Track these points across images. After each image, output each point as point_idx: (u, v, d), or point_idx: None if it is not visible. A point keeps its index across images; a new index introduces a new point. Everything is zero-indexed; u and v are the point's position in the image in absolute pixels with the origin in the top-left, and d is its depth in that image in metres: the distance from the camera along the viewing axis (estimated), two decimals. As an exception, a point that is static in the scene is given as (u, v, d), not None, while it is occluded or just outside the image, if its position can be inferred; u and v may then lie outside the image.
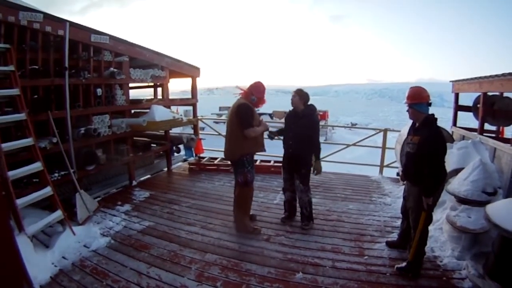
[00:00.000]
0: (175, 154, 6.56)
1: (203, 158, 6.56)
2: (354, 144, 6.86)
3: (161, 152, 6.19)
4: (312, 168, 3.57)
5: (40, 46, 3.62)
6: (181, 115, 6.48)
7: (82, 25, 4.05)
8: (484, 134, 4.42)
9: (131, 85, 4.99)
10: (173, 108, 6.53)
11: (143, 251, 3.05)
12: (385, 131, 6.18)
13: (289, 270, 2.77)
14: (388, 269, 2.79)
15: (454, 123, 5.60)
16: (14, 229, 2.58)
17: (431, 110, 2.68)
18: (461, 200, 3.14)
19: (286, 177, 3.70)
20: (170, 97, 6.00)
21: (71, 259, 2.85)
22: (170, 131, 6.07)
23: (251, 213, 3.70)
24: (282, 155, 3.72)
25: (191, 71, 6.27)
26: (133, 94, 5.34)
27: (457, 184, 3.21)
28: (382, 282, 2.62)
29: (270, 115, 20.66)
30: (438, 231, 3.31)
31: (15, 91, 3.02)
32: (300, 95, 3.50)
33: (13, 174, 2.78)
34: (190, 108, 6.85)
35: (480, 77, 4.53)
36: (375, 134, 6.63)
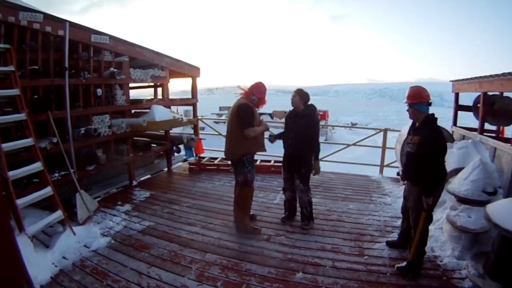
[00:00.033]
0: (175, 154, 6.57)
1: (203, 158, 6.56)
2: (354, 144, 6.86)
3: (161, 152, 6.19)
4: (312, 167, 3.57)
5: (40, 46, 3.62)
6: (181, 115, 6.48)
7: (82, 25, 4.05)
8: (484, 133, 4.42)
9: (131, 85, 4.99)
10: (173, 108, 6.53)
11: (143, 251, 3.05)
12: (385, 131, 6.19)
13: (289, 270, 2.77)
14: (388, 269, 2.79)
15: (454, 123, 5.60)
16: (14, 229, 2.58)
17: (431, 110, 2.68)
18: (461, 200, 3.14)
19: (286, 177, 3.70)
20: (170, 97, 6.00)
21: (72, 259, 2.86)
22: (170, 131, 6.07)
23: (251, 213, 3.70)
24: (282, 155, 3.72)
25: (191, 71, 6.27)
26: (133, 94, 5.34)
27: (457, 184, 3.21)
28: (382, 282, 2.62)
29: (270, 115, 20.68)
30: (438, 230, 3.31)
31: (15, 91, 3.02)
32: (300, 95, 3.50)
33: (13, 174, 2.79)
34: (190, 108, 6.85)
35: (480, 77, 4.53)
36: (375, 134, 6.63)
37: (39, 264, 2.58)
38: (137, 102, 5.47)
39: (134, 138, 5.57)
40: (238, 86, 3.52)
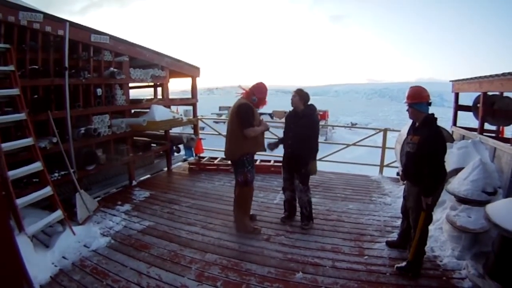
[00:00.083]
0: (175, 154, 6.56)
1: (203, 158, 6.56)
2: (354, 144, 6.86)
3: (161, 152, 6.19)
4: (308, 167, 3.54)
5: (40, 46, 3.62)
6: (181, 115, 6.48)
7: (82, 25, 4.05)
8: (484, 133, 4.42)
9: (131, 85, 4.99)
10: (173, 108, 6.53)
11: (143, 251, 3.05)
12: (385, 130, 6.19)
13: (289, 270, 2.77)
14: (388, 269, 2.79)
15: (454, 123, 5.60)
16: (14, 229, 2.58)
17: (431, 110, 2.68)
18: (461, 200, 3.14)
19: (286, 177, 3.70)
20: (170, 97, 5.99)
21: (71, 259, 2.86)
22: (170, 131, 6.07)
23: (251, 213, 3.70)
24: (282, 155, 3.72)
25: (191, 71, 6.27)
26: (133, 94, 5.34)
27: (457, 184, 3.21)
28: (382, 281, 2.63)
29: (270, 115, 20.67)
30: (438, 230, 3.31)
31: (15, 91, 3.02)
32: (300, 95, 3.50)
33: (13, 174, 2.79)
34: (190, 108, 6.85)
35: (480, 77, 4.53)
36: (375, 134, 6.63)
37: (39, 264, 2.58)
38: (137, 102, 5.47)
39: (134, 138, 5.56)
40: (239, 86, 3.52)
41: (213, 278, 2.62)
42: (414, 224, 2.68)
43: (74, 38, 3.93)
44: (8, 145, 2.85)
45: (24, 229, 2.69)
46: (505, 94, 4.64)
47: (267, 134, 3.76)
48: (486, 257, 2.56)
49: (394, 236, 3.33)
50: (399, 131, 5.38)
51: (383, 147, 6.14)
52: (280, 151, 3.75)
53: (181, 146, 6.65)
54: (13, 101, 3.07)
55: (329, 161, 6.53)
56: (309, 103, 3.54)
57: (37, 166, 3.03)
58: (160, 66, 5.48)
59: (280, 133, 4.21)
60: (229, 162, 4.13)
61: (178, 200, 4.44)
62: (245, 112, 3.24)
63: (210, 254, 3.00)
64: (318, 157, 3.67)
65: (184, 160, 6.69)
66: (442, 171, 2.58)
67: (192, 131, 6.75)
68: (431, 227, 2.84)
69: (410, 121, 2.86)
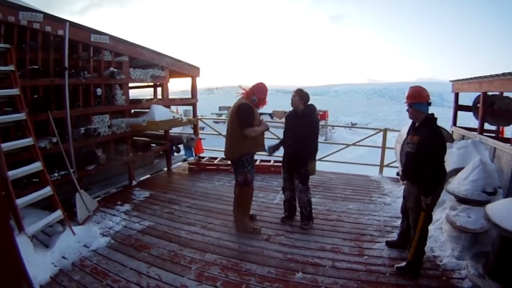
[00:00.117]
0: (175, 154, 6.56)
1: (203, 158, 6.56)
2: (354, 144, 6.86)
3: (161, 152, 6.19)
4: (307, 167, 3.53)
5: (40, 46, 3.62)
6: (181, 114, 6.47)
7: (82, 25, 4.05)
8: (484, 133, 4.43)
9: (131, 85, 4.99)
10: (173, 108, 6.53)
11: (143, 251, 3.05)
12: (385, 130, 6.19)
13: (289, 270, 2.77)
14: (388, 269, 2.79)
15: (454, 123, 5.60)
16: (14, 229, 2.58)
17: (431, 110, 2.68)
18: (461, 200, 3.14)
19: (286, 177, 3.70)
20: (170, 97, 5.99)
21: (71, 259, 2.85)
22: (170, 131, 6.07)
23: (251, 213, 3.70)
24: (282, 155, 3.71)
25: (191, 71, 6.27)
26: (133, 94, 5.34)
27: (457, 184, 3.21)
28: (382, 281, 2.63)
29: (270, 115, 20.68)
30: (438, 230, 3.31)
31: (15, 91, 3.02)
32: (300, 95, 3.50)
33: (13, 174, 2.78)
34: (190, 108, 6.84)
35: (480, 77, 4.53)
36: (375, 134, 6.63)
37: (38, 264, 2.58)
38: (137, 102, 5.47)
39: (134, 138, 5.57)
40: (239, 86, 3.52)
41: (213, 278, 2.62)
42: (414, 224, 2.68)
43: (74, 38, 3.92)
44: (8, 145, 2.85)
45: (24, 229, 2.69)
46: (505, 94, 4.64)
47: (267, 134, 3.76)
48: (486, 257, 2.56)
49: (394, 236, 3.33)
50: (399, 131, 5.38)
51: (383, 147, 6.14)
52: (280, 151, 3.75)
53: (181, 146, 6.65)
54: (13, 101, 3.07)
55: (329, 161, 6.53)
56: (309, 103, 3.54)
57: (37, 166, 3.03)
58: (160, 66, 5.48)
59: (280, 133, 4.21)
60: (229, 162, 4.12)
61: (178, 200, 4.44)
62: (245, 112, 3.24)
63: (210, 254, 3.00)
64: (318, 157, 3.67)
65: (184, 160, 6.69)
66: (442, 171, 2.58)
67: (192, 131, 6.75)
68: (431, 227, 2.84)
69: (410, 121, 2.86)
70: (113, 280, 2.58)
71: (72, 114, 3.90)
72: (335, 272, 2.74)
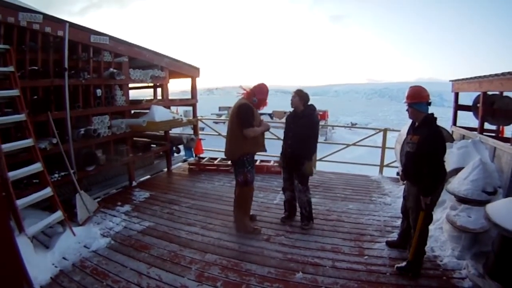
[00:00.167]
0: (175, 154, 6.57)
1: (203, 158, 6.56)
2: (354, 144, 6.86)
3: (161, 153, 6.19)
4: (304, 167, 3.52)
5: (40, 47, 3.63)
6: (181, 115, 6.47)
7: (81, 26, 4.05)
8: (484, 133, 4.42)
9: (130, 85, 4.99)
10: (173, 108, 6.53)
11: (143, 251, 3.05)
12: (385, 130, 6.19)
13: (289, 270, 2.77)
14: (388, 269, 2.79)
15: (454, 123, 5.60)
16: (14, 230, 2.58)
17: (431, 110, 2.68)
18: (461, 200, 3.14)
19: (285, 177, 3.70)
20: (170, 97, 6.00)
21: (71, 259, 2.85)
22: (170, 132, 6.07)
23: (251, 213, 3.70)
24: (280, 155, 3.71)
25: (190, 71, 6.27)
26: (133, 94, 5.34)
27: (457, 184, 3.21)
28: (382, 281, 2.62)
29: (270, 115, 20.69)
30: (438, 230, 3.31)
31: (15, 92, 3.02)
32: (300, 96, 3.50)
33: (13, 175, 2.79)
34: (190, 108, 6.85)
35: (480, 77, 4.53)
36: (375, 133, 6.63)
37: (39, 264, 2.58)
38: (137, 103, 5.47)
39: (134, 138, 5.57)
40: (239, 86, 3.52)
41: (213, 279, 2.62)
42: (414, 224, 2.68)
43: (74, 39, 3.93)
44: (8, 146, 2.85)
45: (24, 230, 2.69)
46: (505, 93, 4.64)
47: (267, 135, 3.76)
48: (486, 256, 2.56)
49: (394, 236, 3.33)
50: (399, 131, 5.38)
51: (383, 147, 6.14)
52: (279, 151, 3.75)
53: (181, 147, 6.66)
54: (13, 102, 3.07)
55: (329, 161, 6.53)
56: (309, 103, 3.55)
57: (37, 167, 3.03)
58: (160, 67, 5.48)
59: (280, 133, 4.22)
60: (229, 162, 4.12)
61: (178, 200, 4.44)
62: (245, 113, 3.24)
63: (210, 255, 3.00)
64: (318, 157, 3.67)
65: (184, 161, 6.69)
66: (442, 171, 2.58)
67: (192, 132, 6.75)
68: (431, 227, 2.84)
69: (410, 121, 2.86)
70: (114, 280, 2.58)
71: (72, 115, 3.91)
72: (335, 272, 2.74)
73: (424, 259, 2.76)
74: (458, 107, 5.61)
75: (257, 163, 5.80)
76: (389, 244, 3.18)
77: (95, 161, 4.25)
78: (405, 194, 2.96)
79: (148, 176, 5.71)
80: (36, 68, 3.58)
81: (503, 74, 3.78)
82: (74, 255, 2.92)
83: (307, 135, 3.43)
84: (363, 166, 6.56)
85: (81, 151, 4.06)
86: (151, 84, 6.21)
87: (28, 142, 3.02)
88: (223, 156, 3.60)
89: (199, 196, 4.64)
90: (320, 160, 6.44)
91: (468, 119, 5.65)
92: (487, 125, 4.69)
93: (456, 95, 5.64)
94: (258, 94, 3.37)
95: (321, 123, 14.38)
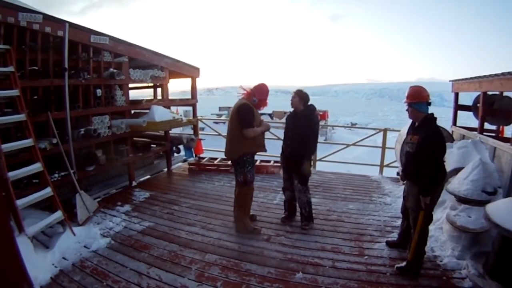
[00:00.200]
0: (175, 154, 6.56)
1: (203, 158, 6.56)
2: (354, 144, 6.87)
3: (161, 153, 6.19)
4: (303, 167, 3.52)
5: (40, 47, 3.62)
6: (181, 115, 6.48)
7: (81, 26, 4.05)
8: (484, 133, 4.42)
9: (130, 85, 4.99)
10: (173, 108, 6.53)
11: (143, 251, 3.05)
12: (385, 130, 6.19)
13: (289, 270, 2.77)
14: (388, 269, 2.79)
15: (454, 123, 5.60)
16: (14, 230, 2.58)
17: (431, 110, 2.68)
18: (461, 200, 3.14)
19: (286, 177, 3.71)
20: (170, 97, 6.00)
21: (71, 259, 2.85)
22: (170, 132, 6.07)
23: (251, 213, 3.70)
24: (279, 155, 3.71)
25: (190, 72, 6.27)
26: (133, 94, 5.34)
27: (457, 184, 3.21)
28: (382, 281, 2.62)
29: (270, 115, 20.68)
30: (438, 230, 3.31)
31: (15, 92, 3.02)
32: (300, 96, 3.50)
33: (13, 174, 2.79)
34: (190, 108, 6.85)
35: (480, 77, 4.54)
36: (375, 134, 6.63)
37: (39, 264, 2.58)
38: (137, 103, 5.47)
39: (134, 138, 5.57)
40: (240, 86, 3.52)
41: (213, 279, 2.62)
42: (414, 224, 2.68)
43: (74, 39, 3.92)
44: (8, 146, 2.85)
45: (24, 230, 2.69)
46: (505, 93, 4.64)
47: (267, 135, 3.76)
48: (486, 256, 2.56)
49: (394, 236, 3.33)
50: (399, 131, 5.38)
51: (383, 147, 6.14)
52: (278, 151, 3.75)
53: (181, 147, 6.66)
54: (13, 102, 3.07)
55: (329, 161, 6.53)
56: (309, 103, 3.55)
57: (37, 167, 3.03)
58: (160, 67, 5.48)
59: (280, 133, 4.22)
60: (229, 162, 4.12)
61: (178, 200, 4.44)
62: (245, 113, 3.24)
63: (210, 255, 3.00)
64: (318, 157, 3.67)
65: (184, 161, 6.70)
66: (442, 171, 2.59)
67: (192, 132, 6.75)
68: (431, 227, 2.84)
69: (410, 121, 2.86)
70: (114, 280, 2.58)
71: (72, 115, 3.90)
72: (335, 272, 2.74)
73: (424, 259, 2.76)
74: (458, 107, 5.61)
75: (257, 163, 5.80)
76: (389, 244, 3.18)
77: (95, 161, 4.25)
78: (405, 194, 2.95)
79: (148, 176, 5.71)
80: (36, 68, 3.58)
81: (503, 74, 3.78)
82: (74, 255, 2.92)
83: (307, 135, 3.43)
84: (363, 166, 6.56)
85: (81, 151, 4.06)
86: (151, 84, 6.21)
87: (28, 142, 3.02)
88: (223, 156, 3.60)
89: (199, 196, 4.64)
90: (320, 160, 6.44)
91: (468, 119, 5.65)
92: (487, 125, 4.69)
93: (456, 95, 5.64)
94: (258, 94, 3.37)
95: (321, 123, 14.39)
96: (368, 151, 7.85)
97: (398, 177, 5.26)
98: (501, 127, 5.04)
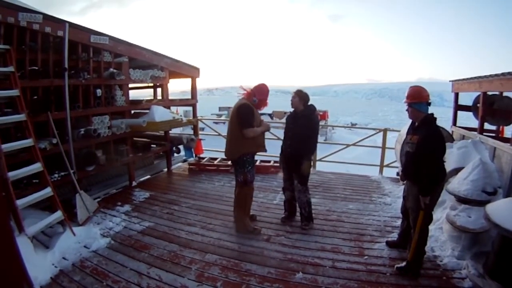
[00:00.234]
0: (175, 154, 6.56)
1: (203, 158, 6.56)
2: (354, 144, 6.87)
3: (161, 153, 6.19)
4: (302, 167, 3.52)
5: (40, 47, 3.62)
6: (180, 115, 6.48)
7: (81, 26, 4.05)
8: (484, 133, 4.43)
9: (130, 85, 4.99)
10: (173, 108, 6.53)
11: (143, 251, 3.05)
12: (385, 130, 6.19)
13: (289, 270, 2.77)
14: (388, 269, 2.79)
15: (454, 123, 5.60)
16: (14, 230, 2.58)
17: (431, 110, 2.68)
18: (461, 200, 3.14)
19: (285, 177, 3.71)
20: (170, 97, 6.00)
21: (71, 259, 2.85)
22: (170, 132, 6.07)
23: (251, 213, 3.70)
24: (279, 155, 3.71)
25: (190, 72, 6.27)
26: (133, 94, 5.34)
27: (457, 184, 3.21)
28: (382, 282, 2.62)
29: (270, 115, 20.68)
30: (438, 230, 3.31)
31: (15, 92, 3.02)
32: (300, 96, 3.50)
33: (13, 175, 2.79)
34: (190, 108, 6.85)
35: (480, 77, 4.54)
36: (375, 134, 6.63)
37: (39, 264, 2.58)
38: (137, 103, 5.47)
39: (134, 138, 5.57)
40: (240, 86, 3.52)
41: (213, 279, 2.62)
42: (414, 224, 2.68)
43: (74, 39, 3.92)
44: (8, 146, 2.85)
45: (24, 230, 2.69)
46: (504, 94, 4.64)
47: (267, 135, 3.76)
48: (486, 256, 2.56)
49: (394, 236, 3.33)
50: (399, 131, 5.38)
51: (383, 147, 6.14)
52: (278, 151, 3.75)
53: (181, 147, 6.65)
54: (13, 102, 3.07)
55: (329, 161, 6.53)
56: (309, 103, 3.55)
57: (37, 167, 3.03)
58: (160, 67, 5.48)
59: (280, 133, 4.22)
60: (229, 162, 4.12)
61: (178, 200, 4.44)
62: (245, 113, 3.24)
63: (210, 255, 3.00)
64: (318, 157, 3.67)
65: (184, 161, 6.69)
66: (441, 171, 2.59)
67: (192, 132, 6.75)
68: (431, 227, 2.84)
69: (410, 121, 2.86)
70: (114, 280, 2.58)
71: (72, 115, 3.90)
72: (335, 272, 2.74)
73: (424, 259, 2.76)
74: (458, 107, 5.62)
75: (257, 163, 5.80)
76: (389, 244, 3.18)
77: (95, 161, 4.25)
78: (405, 194, 2.95)
79: (148, 176, 5.71)
80: (36, 68, 3.58)
81: (503, 74, 3.78)
82: (74, 255, 2.92)
83: (307, 135, 3.43)
84: (363, 166, 6.56)
85: (81, 151, 4.06)
86: (151, 84, 6.21)
87: (28, 142, 3.02)
88: (223, 156, 3.60)
89: (199, 196, 4.64)
90: (320, 160, 6.44)
91: (468, 119, 5.65)
92: (487, 125, 4.69)
93: (456, 95, 5.64)
94: (258, 94, 3.37)
95: (321, 123, 14.39)
96: (368, 151, 7.85)
97: (398, 177, 5.27)
98: (501, 127, 5.04)
